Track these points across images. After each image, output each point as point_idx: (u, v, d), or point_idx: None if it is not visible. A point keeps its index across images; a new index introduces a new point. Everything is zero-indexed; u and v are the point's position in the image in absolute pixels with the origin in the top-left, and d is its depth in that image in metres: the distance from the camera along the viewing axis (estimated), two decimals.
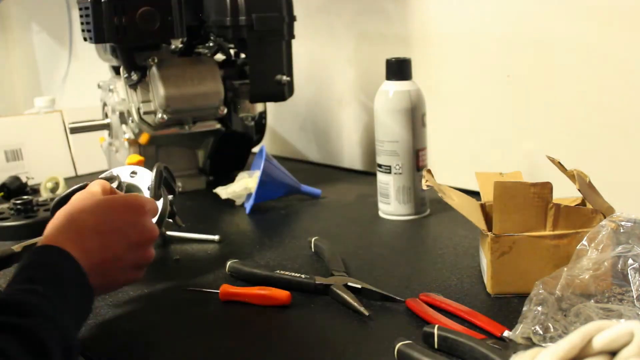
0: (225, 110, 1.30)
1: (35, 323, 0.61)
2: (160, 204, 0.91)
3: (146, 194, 0.92)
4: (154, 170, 0.92)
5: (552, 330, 0.66)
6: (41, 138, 1.50)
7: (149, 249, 0.80)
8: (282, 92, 1.29)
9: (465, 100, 1.24)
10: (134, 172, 0.94)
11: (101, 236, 0.74)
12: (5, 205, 1.16)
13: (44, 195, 1.29)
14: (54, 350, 0.61)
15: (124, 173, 0.94)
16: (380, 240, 1.06)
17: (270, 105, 1.44)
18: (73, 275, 0.70)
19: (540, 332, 0.66)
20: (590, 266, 0.72)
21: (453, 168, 1.26)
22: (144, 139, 1.25)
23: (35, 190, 1.32)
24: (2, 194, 1.29)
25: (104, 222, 0.75)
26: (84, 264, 0.71)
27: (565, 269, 0.73)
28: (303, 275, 0.85)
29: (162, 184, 0.93)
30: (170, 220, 0.98)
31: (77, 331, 0.69)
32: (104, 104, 1.34)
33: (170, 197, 0.95)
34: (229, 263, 0.90)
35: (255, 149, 1.33)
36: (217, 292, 0.83)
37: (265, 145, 1.25)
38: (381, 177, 1.11)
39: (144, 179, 0.93)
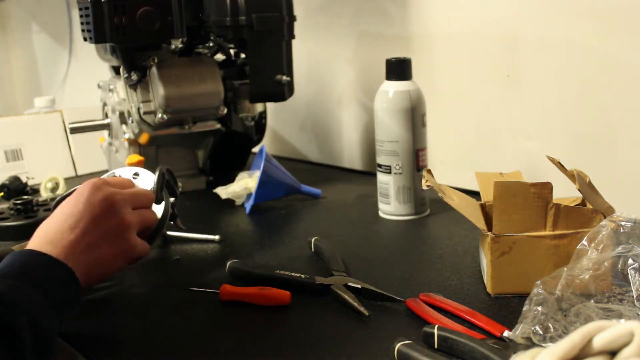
0: (225, 110, 1.30)
1: (4, 310, 0.64)
2: (161, 207, 0.91)
3: None
4: (157, 172, 0.92)
5: (552, 330, 0.66)
6: (41, 138, 1.50)
7: (128, 238, 0.81)
8: (282, 92, 1.29)
9: (465, 100, 1.24)
10: (136, 174, 0.94)
11: (69, 226, 0.77)
12: (5, 205, 1.16)
13: (44, 195, 1.29)
14: (24, 334, 0.64)
15: (126, 174, 0.94)
16: (380, 240, 1.06)
17: (270, 105, 1.44)
18: (42, 261, 0.73)
19: (540, 332, 0.66)
20: (590, 266, 0.72)
21: (453, 168, 1.26)
22: (144, 139, 1.25)
23: (35, 190, 1.32)
24: (2, 194, 1.29)
25: (71, 213, 0.78)
26: (54, 249, 0.74)
27: (565, 269, 0.73)
28: (303, 275, 0.85)
29: (164, 186, 0.93)
30: (172, 222, 0.98)
31: (55, 312, 0.70)
32: (104, 104, 1.34)
33: (172, 199, 0.95)
34: (229, 263, 0.90)
35: (255, 149, 1.33)
36: (217, 292, 0.83)
37: (265, 145, 1.25)
38: (381, 177, 1.11)
39: (147, 181, 0.93)
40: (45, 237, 0.76)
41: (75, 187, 0.88)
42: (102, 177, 0.95)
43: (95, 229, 0.78)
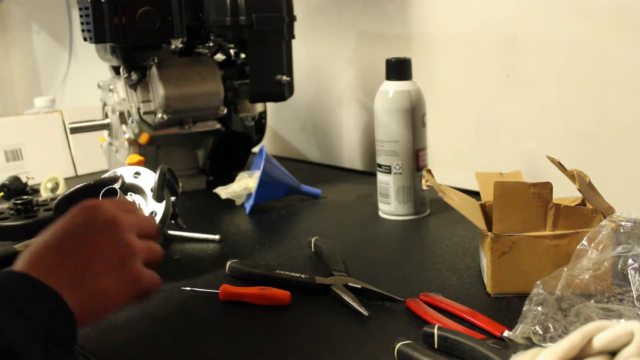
0: (225, 110, 1.30)
1: None
2: (162, 206, 0.91)
3: (149, 195, 0.93)
4: (157, 172, 0.93)
5: (552, 330, 0.66)
6: (41, 138, 1.50)
7: (132, 266, 0.67)
8: (282, 92, 1.29)
9: (465, 100, 1.24)
10: (137, 173, 0.95)
11: (64, 250, 0.64)
12: (5, 205, 1.16)
13: (44, 195, 1.29)
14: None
15: (127, 173, 0.94)
16: (380, 240, 1.06)
17: (270, 105, 1.44)
18: (30, 290, 0.59)
19: (540, 332, 0.66)
20: (590, 266, 0.72)
21: (453, 168, 1.26)
22: (144, 139, 1.25)
23: (35, 190, 1.32)
24: (2, 194, 1.29)
25: (68, 238, 0.65)
26: (49, 278, 0.60)
27: (565, 269, 0.73)
28: (303, 275, 0.85)
29: (165, 186, 0.93)
30: (172, 221, 0.99)
31: (39, 346, 0.56)
32: (104, 104, 1.34)
33: (172, 198, 0.96)
34: (229, 263, 0.90)
35: (255, 149, 1.33)
36: (217, 292, 0.83)
37: (265, 145, 1.25)
38: (381, 177, 1.11)
39: (148, 180, 0.94)
40: (34, 262, 0.62)
41: (75, 187, 0.88)
42: (103, 176, 0.95)
43: (96, 255, 0.65)
